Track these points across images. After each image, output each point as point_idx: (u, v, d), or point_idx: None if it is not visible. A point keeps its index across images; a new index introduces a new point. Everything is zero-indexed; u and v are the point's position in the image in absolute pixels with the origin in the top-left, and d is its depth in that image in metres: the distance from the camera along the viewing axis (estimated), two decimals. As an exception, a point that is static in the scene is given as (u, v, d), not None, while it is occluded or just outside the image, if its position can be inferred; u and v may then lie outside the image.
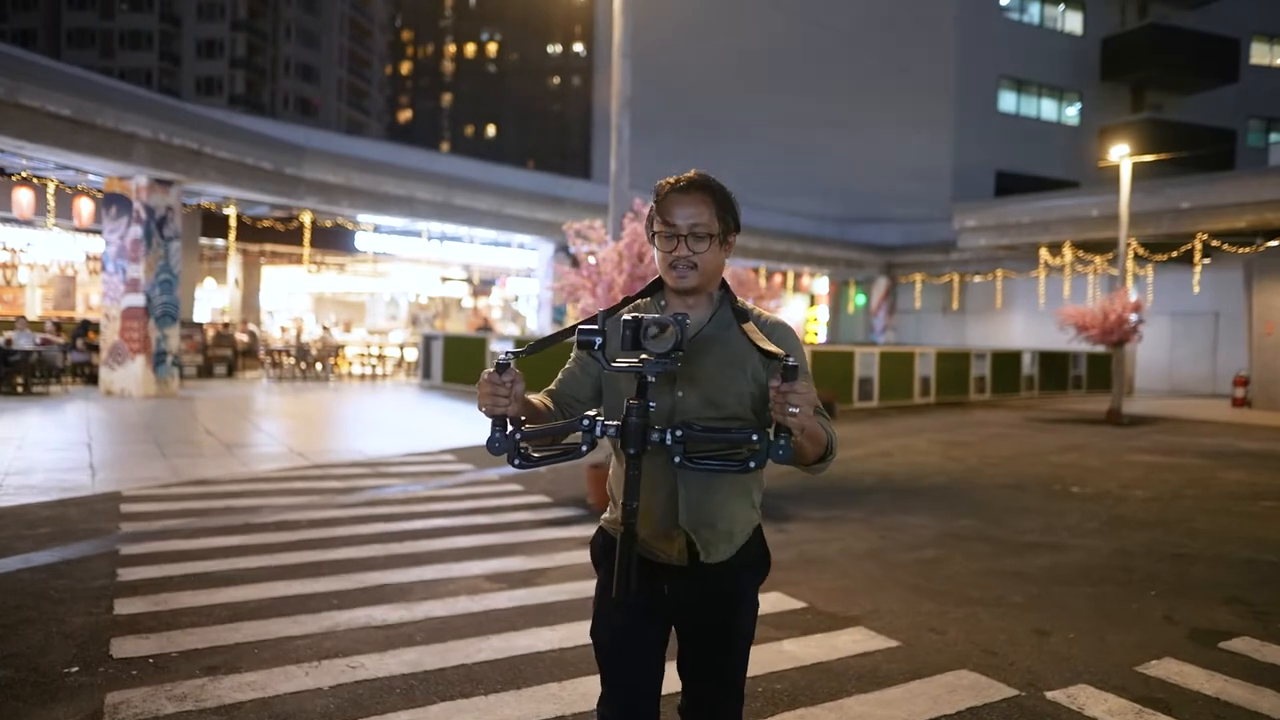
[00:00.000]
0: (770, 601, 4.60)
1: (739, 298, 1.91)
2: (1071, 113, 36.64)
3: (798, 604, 4.59)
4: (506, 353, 1.67)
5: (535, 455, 1.70)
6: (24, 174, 14.55)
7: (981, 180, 33.80)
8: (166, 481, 7.45)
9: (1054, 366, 22.48)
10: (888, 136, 34.22)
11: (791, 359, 1.58)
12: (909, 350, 19.06)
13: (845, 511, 7.10)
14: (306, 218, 18.52)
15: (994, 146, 34.46)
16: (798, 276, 31.32)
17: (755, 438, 1.62)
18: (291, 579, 4.78)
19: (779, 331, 1.88)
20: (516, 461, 1.68)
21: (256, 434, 10.77)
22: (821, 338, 32.33)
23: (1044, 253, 23.47)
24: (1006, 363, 21.14)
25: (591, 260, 6.87)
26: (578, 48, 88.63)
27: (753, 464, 1.63)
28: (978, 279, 29.59)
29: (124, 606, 4.22)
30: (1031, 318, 28.22)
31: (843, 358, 17.28)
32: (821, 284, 32.98)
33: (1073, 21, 36.37)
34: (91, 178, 14.83)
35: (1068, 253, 22.98)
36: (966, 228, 23.32)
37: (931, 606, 4.62)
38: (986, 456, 10.68)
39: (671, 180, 1.87)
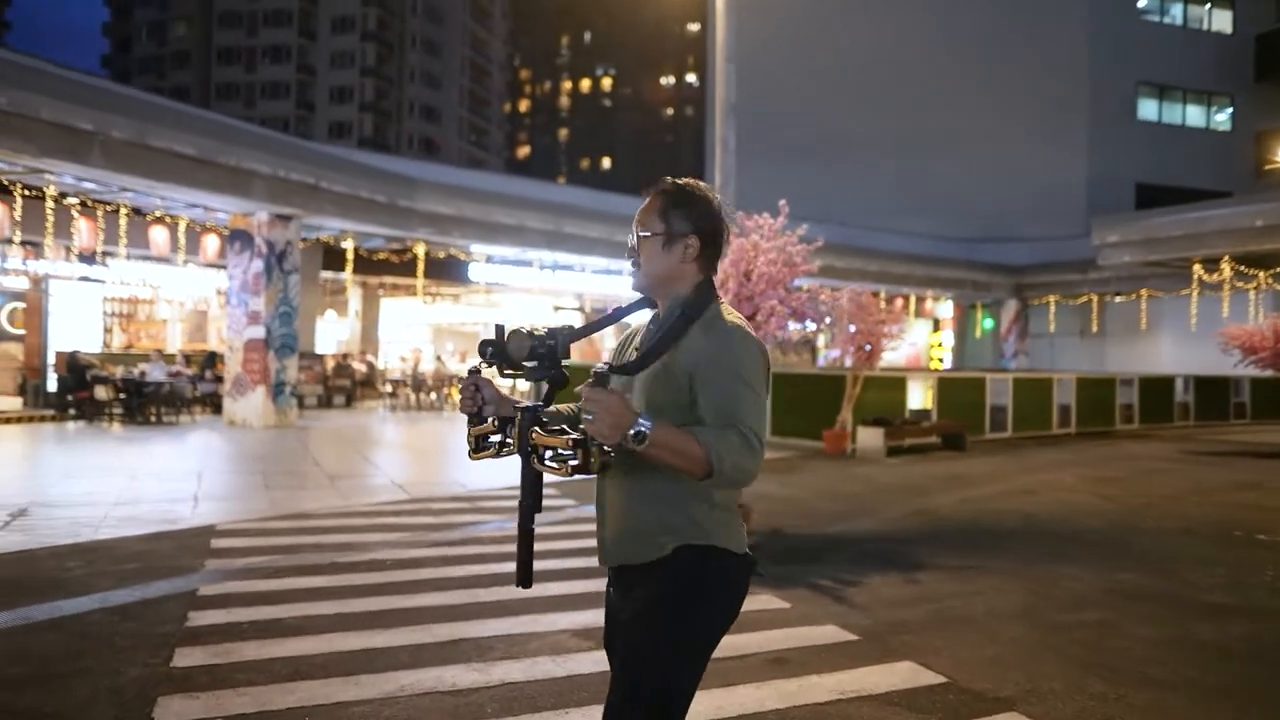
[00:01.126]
0: (902, 674, 3.88)
1: (716, 302, 1.83)
2: (1222, 118, 33.89)
3: (936, 678, 3.86)
4: (476, 363, 1.82)
5: (476, 451, 1.86)
6: (158, 213, 15.23)
7: (1120, 194, 31.54)
8: (263, 515, 7.29)
9: (1212, 393, 20.42)
10: (1015, 151, 32.42)
11: (600, 364, 1.63)
12: (1046, 376, 17.65)
13: (986, 560, 6.24)
14: (420, 249, 18.76)
15: (1133, 157, 32.17)
16: (920, 300, 29.88)
17: (574, 442, 1.60)
18: (364, 629, 4.38)
19: (708, 337, 1.77)
20: (470, 453, 1.87)
21: (362, 465, 10.67)
22: (947, 364, 30.72)
23: (1197, 269, 21.48)
24: (1157, 389, 19.33)
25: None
26: (690, 78, 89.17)
27: (572, 462, 1.60)
28: (1119, 299, 27.48)
29: (183, 657, 3.90)
30: (1182, 340, 25.90)
31: (973, 385, 16.11)
32: (946, 308, 31.40)
33: (1221, 20, 33.75)
34: (219, 215, 15.39)
35: (1225, 268, 20.95)
36: (1108, 244, 21.60)
37: (1103, 688, 3.80)
38: (1146, 495, 9.48)
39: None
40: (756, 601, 5.02)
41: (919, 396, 15.15)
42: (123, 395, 15.08)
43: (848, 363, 12.91)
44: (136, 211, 15.01)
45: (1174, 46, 32.71)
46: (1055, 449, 14.45)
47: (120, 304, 19.25)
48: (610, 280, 22.87)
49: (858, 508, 8.44)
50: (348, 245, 18.01)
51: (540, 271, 21.21)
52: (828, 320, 10.69)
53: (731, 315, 1.81)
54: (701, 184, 1.88)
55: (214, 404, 16.95)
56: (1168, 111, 33.28)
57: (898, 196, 33.39)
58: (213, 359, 17.63)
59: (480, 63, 78.46)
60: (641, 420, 1.58)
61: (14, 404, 16.50)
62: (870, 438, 12.86)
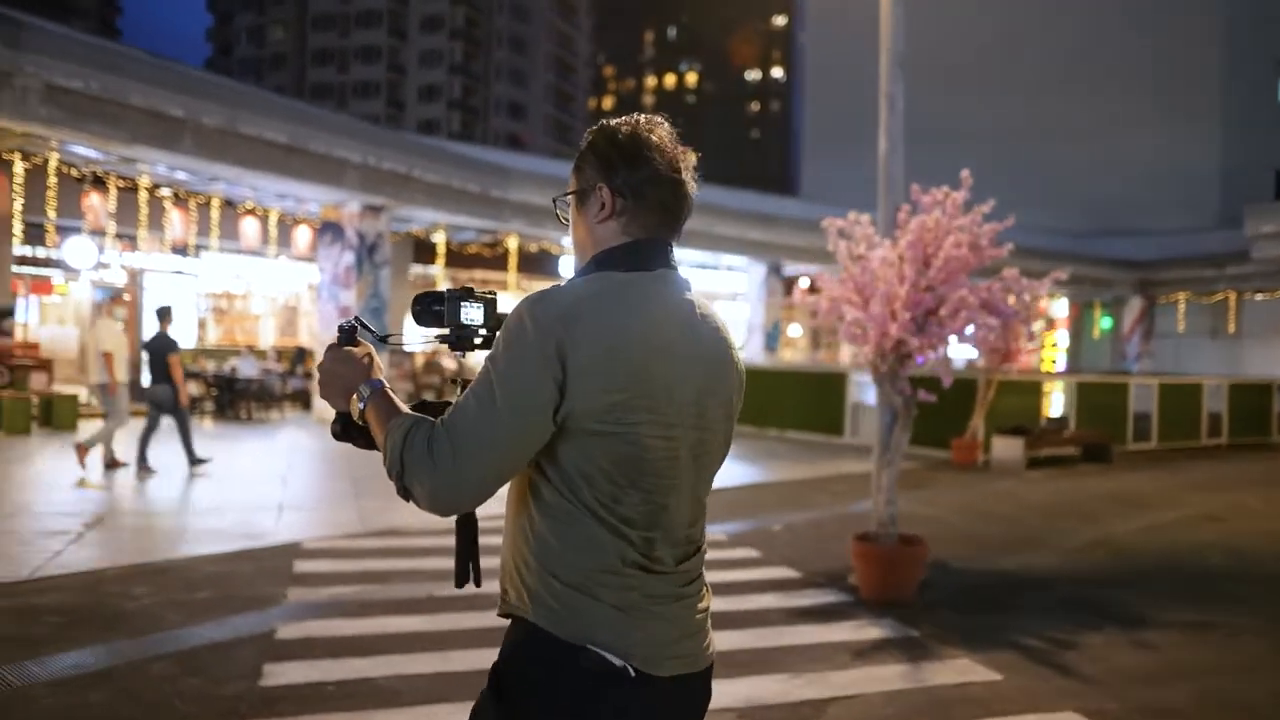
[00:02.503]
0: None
1: (605, 270, 1.29)
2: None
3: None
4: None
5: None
6: (249, 205, 14.88)
7: (1258, 183, 29.00)
8: (352, 530, 6.53)
9: (1382, 402, 18.22)
10: (1138, 139, 30.16)
11: (351, 318, 1.45)
12: (1195, 380, 15.92)
13: (1225, 613, 5.02)
14: (512, 242, 18.10)
15: (1273, 143, 29.51)
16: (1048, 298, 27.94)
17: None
18: (468, 698, 3.48)
19: None
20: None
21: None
22: (1060, 366, 28.74)
23: (1367, 262, 19.29)
24: (1320, 397, 17.30)
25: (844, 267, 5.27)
26: (776, 73, 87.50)
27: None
28: (1260, 297, 25.14)
29: (252, 737, 3.08)
30: (1337, 342, 23.56)
31: (1114, 390, 14.55)
32: (1060, 306, 29.36)
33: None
34: (310, 207, 14.98)
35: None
36: (1263, 235, 19.54)
37: None
38: (1367, 526, 7.99)
39: None
40: (955, 670, 3.97)
41: (1056, 402, 13.71)
42: (214, 391, 14.79)
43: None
44: (228, 203, 14.69)
45: (1321, 20, 29.89)
46: (1214, 462, 12.84)
47: (215, 299, 19.17)
48: (705, 275, 21.91)
49: (1023, 534, 7.24)
50: (439, 238, 17.45)
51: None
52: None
53: (585, 281, 1.27)
54: (642, 119, 1.38)
55: (304, 400, 16.59)
56: (1313, 92, 30.45)
57: (1005, 186, 31.41)
58: (302, 354, 17.29)
59: (566, 59, 78.36)
60: (364, 387, 1.33)
61: (111, 398, 16.44)
62: (1008, 448, 11.54)
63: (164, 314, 8.72)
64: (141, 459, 8.42)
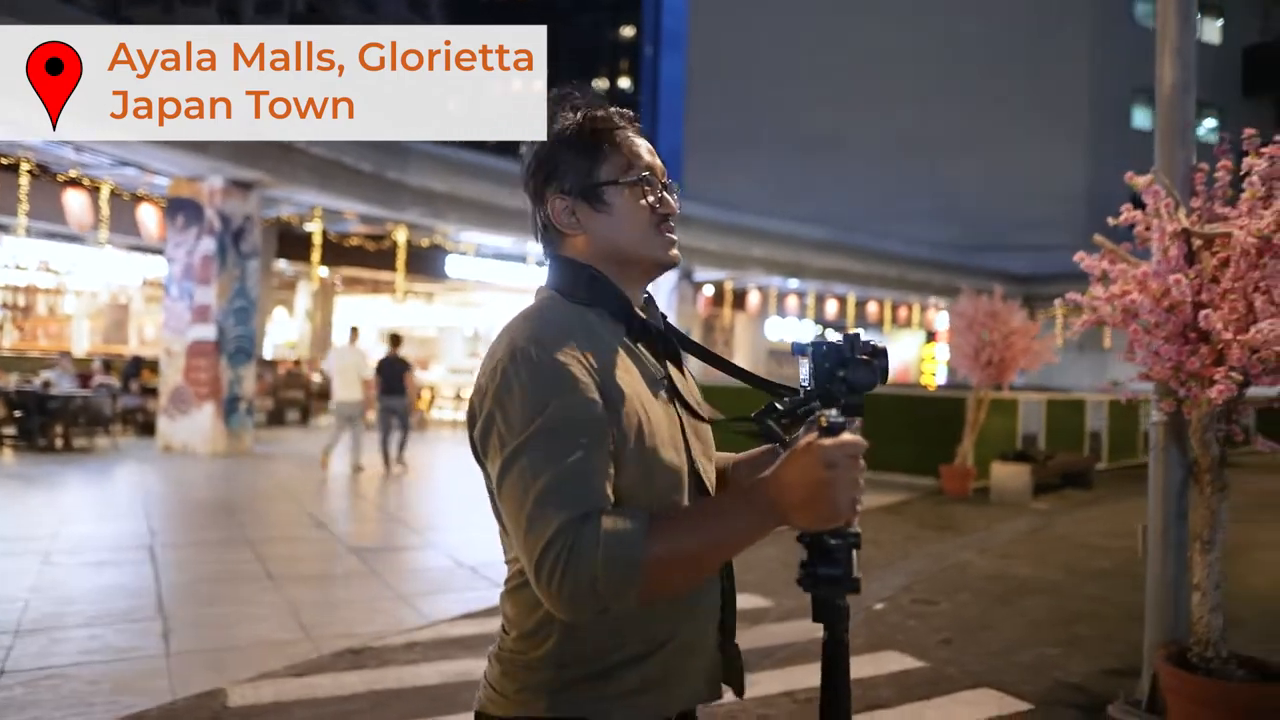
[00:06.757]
0: None
1: None
2: (1210, 130, 33.04)
3: None
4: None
5: None
6: (73, 173, 11.61)
7: (1119, 203, 30.09)
8: (300, 655, 4.10)
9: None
10: (1016, 156, 30.79)
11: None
12: (1144, 397, 15.48)
13: None
14: (401, 236, 15.45)
15: (1130, 166, 30.74)
16: (923, 310, 27.93)
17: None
18: None
19: None
20: None
21: (389, 525, 7.47)
22: (940, 380, 28.83)
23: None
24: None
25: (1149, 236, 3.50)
26: (624, 83, 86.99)
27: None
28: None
29: None
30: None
31: (1074, 407, 13.89)
32: (943, 319, 29.47)
33: (1210, 31, 32.89)
34: (156, 180, 11.86)
35: None
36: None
37: None
38: None
39: (612, 109, 1.23)
40: None
41: (1027, 421, 12.71)
42: (17, 413, 11.41)
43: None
44: (42, 169, 11.37)
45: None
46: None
47: (13, 294, 15.38)
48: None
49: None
50: (314, 227, 14.58)
51: (534, 267, 18.10)
52: None
53: None
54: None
55: (139, 423, 13.33)
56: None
57: (892, 200, 31.52)
58: (138, 366, 13.97)
59: (415, 53, 74.58)
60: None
61: None
62: (1012, 476, 10.24)
63: (395, 340, 10.42)
64: (399, 459, 10.12)
